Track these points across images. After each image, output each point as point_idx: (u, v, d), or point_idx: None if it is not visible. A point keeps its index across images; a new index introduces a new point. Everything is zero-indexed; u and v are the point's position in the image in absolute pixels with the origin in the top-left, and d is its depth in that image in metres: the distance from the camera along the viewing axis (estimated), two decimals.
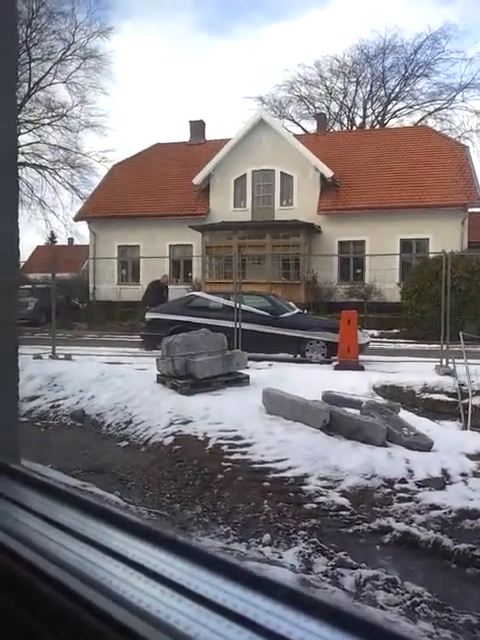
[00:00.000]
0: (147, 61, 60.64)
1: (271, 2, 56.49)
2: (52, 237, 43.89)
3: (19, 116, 28.48)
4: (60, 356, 10.10)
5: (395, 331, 15.99)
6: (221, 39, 63.28)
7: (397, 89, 34.65)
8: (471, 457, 5.16)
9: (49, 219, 31.88)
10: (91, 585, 0.50)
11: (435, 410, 7.13)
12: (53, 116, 29.73)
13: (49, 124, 29.80)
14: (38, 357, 9.80)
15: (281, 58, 57.96)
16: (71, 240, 37.54)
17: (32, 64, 28.47)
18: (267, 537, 3.90)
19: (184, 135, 25.70)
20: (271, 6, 57.65)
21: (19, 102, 28.23)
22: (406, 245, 19.47)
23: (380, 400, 6.59)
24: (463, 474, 4.75)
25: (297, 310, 11.96)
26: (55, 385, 7.85)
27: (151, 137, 64.81)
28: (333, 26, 54.49)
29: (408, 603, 3.09)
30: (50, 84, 29.57)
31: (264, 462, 5.01)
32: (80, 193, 29.57)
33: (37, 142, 29.82)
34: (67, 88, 29.72)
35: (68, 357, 9.98)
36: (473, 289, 14.10)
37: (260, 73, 62.10)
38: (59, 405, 7.30)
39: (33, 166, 29.59)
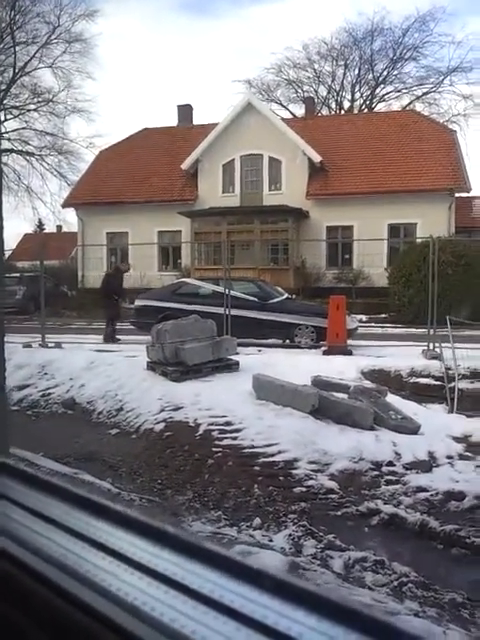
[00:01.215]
0: (130, 43, 59.69)
1: None
2: (40, 224, 43.48)
3: (4, 102, 28.02)
4: (50, 344, 10.07)
5: (383, 316, 16.07)
6: (204, 20, 62.39)
7: (385, 73, 34.43)
8: (457, 440, 5.25)
9: (37, 206, 31.68)
10: (78, 579, 0.50)
11: (422, 394, 7.21)
12: (39, 101, 29.26)
13: (35, 110, 29.35)
14: (28, 346, 9.75)
15: (266, 40, 57.22)
16: (59, 227, 37.18)
17: (17, 48, 27.96)
18: (257, 521, 3.96)
19: (172, 119, 25.45)
20: None
21: (4, 87, 27.74)
22: (394, 230, 19.51)
23: (368, 384, 6.65)
24: (449, 457, 4.84)
25: (286, 295, 11.97)
26: (45, 373, 7.84)
27: (138, 122, 64.14)
28: (318, 7, 53.96)
29: (395, 583, 3.17)
30: (35, 69, 29.08)
31: (254, 447, 5.07)
32: (68, 179, 29.27)
33: (23, 128, 29.42)
34: (53, 73, 29.28)
35: (58, 345, 9.95)
36: (460, 273, 14.18)
37: (245, 55, 61.68)
38: (50, 393, 7.30)
39: (19, 153, 29.17)
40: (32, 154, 29.50)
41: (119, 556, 0.53)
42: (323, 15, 54.54)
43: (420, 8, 32.79)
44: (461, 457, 4.85)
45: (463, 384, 7.18)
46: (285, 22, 54.75)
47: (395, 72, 34.32)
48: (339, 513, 4.05)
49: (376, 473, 4.57)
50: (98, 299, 12.51)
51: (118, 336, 11.37)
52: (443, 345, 8.09)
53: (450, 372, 7.34)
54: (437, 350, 8.56)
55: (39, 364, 8.07)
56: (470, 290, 13.89)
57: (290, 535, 3.74)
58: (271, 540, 3.70)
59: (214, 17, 59.74)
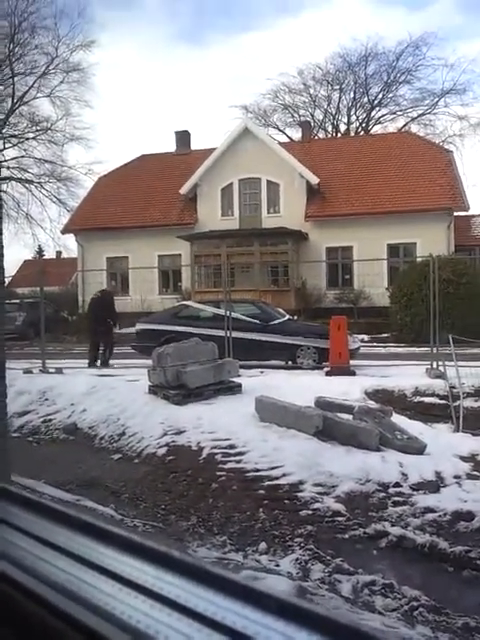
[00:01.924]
0: (127, 72, 60.97)
1: (243, 13, 57.57)
2: (40, 251, 43.76)
3: (3, 131, 28.46)
4: (51, 370, 10.04)
5: (385, 335, 16.05)
6: (198, 48, 63.93)
7: (380, 96, 35.07)
8: (464, 459, 5.19)
9: (36, 233, 31.92)
10: (80, 603, 0.49)
11: (427, 413, 7.15)
12: (38, 130, 29.72)
13: (34, 138, 29.78)
14: (28, 371, 9.72)
15: (259, 66, 58.62)
16: (59, 253, 37.40)
17: (15, 78, 28.51)
18: (263, 546, 3.89)
19: (170, 145, 25.78)
20: (244, 17, 58.79)
21: (3, 117, 28.21)
22: (393, 250, 19.61)
23: (372, 404, 6.60)
24: (456, 476, 4.77)
25: (287, 317, 11.98)
26: (46, 399, 7.79)
27: (137, 148, 65.06)
28: (308, 33, 55.26)
29: (406, 608, 3.09)
30: (34, 98, 29.60)
31: (258, 470, 5.00)
32: (67, 206, 29.55)
33: (22, 156, 29.80)
34: (51, 102, 29.78)
35: (59, 370, 9.92)
36: (461, 292, 14.20)
37: (238, 82, 62.86)
38: (51, 419, 7.25)
39: (19, 180, 29.52)
40: (31, 182, 29.86)
41: (122, 580, 0.52)
42: (313, 41, 55.72)
43: (412, 34, 33.54)
44: (469, 476, 4.79)
45: (468, 402, 7.13)
46: (276, 48, 56.14)
47: (390, 95, 35.02)
48: (346, 536, 3.98)
49: (383, 494, 4.50)
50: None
51: (112, 360, 11.32)
52: (446, 363, 8.05)
53: (454, 391, 7.29)
54: (441, 369, 8.53)
55: (40, 390, 8.03)
56: (472, 308, 13.90)
57: (297, 559, 3.67)
58: (278, 565, 3.63)
59: (207, 45, 61.15)
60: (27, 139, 29.73)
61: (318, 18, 54.79)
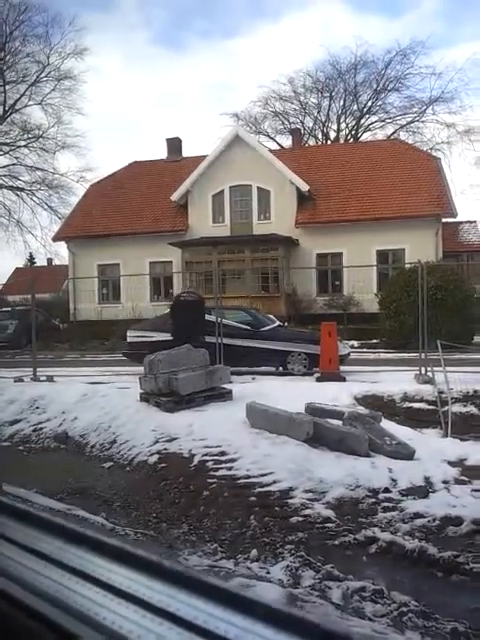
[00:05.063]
0: (117, 80, 60.92)
1: (224, 19, 58.16)
2: (31, 258, 43.60)
3: None
4: (42, 378, 10.00)
5: (375, 341, 16.13)
6: (185, 56, 64.36)
7: (369, 103, 35.36)
8: (453, 464, 5.23)
9: (28, 240, 31.78)
10: (73, 615, 0.50)
11: (416, 418, 7.20)
12: (29, 138, 29.72)
13: (25, 146, 29.78)
14: (19, 380, 9.68)
15: (246, 74, 59.32)
16: (50, 261, 37.32)
17: (7, 87, 28.52)
18: (254, 553, 3.90)
19: (161, 153, 25.83)
20: (225, 23, 59.26)
21: None
22: (382, 256, 19.75)
23: (362, 410, 6.64)
24: (445, 481, 4.81)
25: (277, 323, 12.02)
26: (37, 408, 7.76)
27: (128, 155, 65.03)
28: (287, 41, 55.87)
29: (395, 613, 3.12)
30: (25, 106, 29.62)
31: (249, 477, 5.02)
32: (58, 213, 29.58)
33: (13, 164, 29.76)
34: (42, 109, 29.81)
35: (50, 379, 9.88)
36: (449, 297, 14.32)
37: (221, 89, 63.35)
38: (42, 428, 7.22)
39: (10, 188, 29.47)
40: (22, 189, 29.82)
41: (113, 589, 0.53)
42: (293, 48, 56.23)
43: (401, 43, 33.91)
44: (457, 481, 4.83)
45: (456, 408, 7.18)
46: (256, 55, 56.67)
47: (379, 103, 35.31)
48: (337, 542, 4.00)
49: (373, 500, 4.53)
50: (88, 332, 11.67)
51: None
52: (435, 369, 8.12)
53: (443, 396, 7.35)
54: (429, 374, 8.59)
55: (31, 398, 8.00)
56: (460, 313, 14.02)
57: (288, 566, 3.68)
58: (268, 572, 3.64)
59: (193, 53, 61.51)
60: (19, 147, 29.71)
61: (297, 25, 55.47)
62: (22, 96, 29.14)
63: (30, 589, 0.56)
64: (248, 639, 0.43)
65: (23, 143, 29.75)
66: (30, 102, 29.50)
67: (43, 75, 29.25)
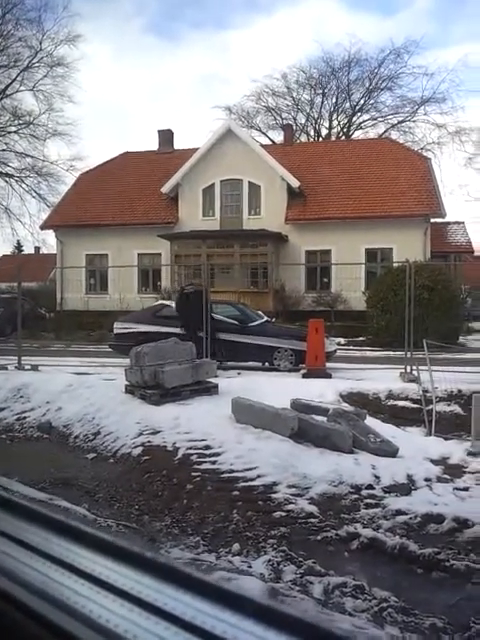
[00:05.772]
0: (110, 69, 60.38)
1: (217, 11, 57.94)
2: (18, 246, 43.19)
3: None
4: (26, 367, 9.92)
5: (361, 339, 16.22)
6: (179, 47, 63.99)
7: (362, 101, 35.43)
8: (435, 462, 5.29)
9: (15, 228, 31.39)
10: (56, 606, 0.49)
11: (400, 416, 7.26)
12: (20, 124, 29.33)
13: (16, 132, 29.40)
14: (3, 368, 9.59)
15: (242, 66, 59.03)
16: (38, 249, 36.95)
17: None
18: (236, 547, 3.91)
19: (153, 144, 25.65)
20: (218, 14, 59.01)
21: None
22: (371, 254, 19.82)
23: (347, 407, 6.67)
24: (428, 479, 4.86)
25: (265, 318, 12.03)
26: (21, 397, 7.70)
27: (119, 145, 64.62)
28: (280, 36, 55.77)
29: (376, 609, 3.14)
30: (17, 91, 29.21)
31: (233, 471, 5.02)
32: (47, 201, 29.27)
33: (3, 150, 29.39)
34: (34, 96, 29.42)
35: (35, 368, 9.81)
36: (436, 297, 14.43)
37: (213, 81, 63.16)
38: (25, 417, 7.17)
39: None
40: (11, 176, 29.46)
41: (96, 581, 0.52)
42: (286, 42, 56.17)
43: (395, 41, 33.97)
44: (439, 480, 4.88)
45: (440, 407, 7.25)
46: (257, 49, 56.53)
47: (371, 101, 35.40)
48: (319, 537, 4.02)
49: (355, 496, 4.56)
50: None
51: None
52: (420, 368, 8.18)
53: (427, 395, 7.41)
54: (414, 373, 8.66)
55: (15, 387, 7.93)
56: (446, 313, 14.14)
57: (269, 561, 3.69)
58: (250, 566, 3.65)
59: (186, 44, 61.14)
60: (9, 133, 29.33)
61: (291, 19, 55.38)
62: (14, 81, 28.78)
63: (12, 578, 0.55)
64: (236, 635, 0.43)
65: (13, 129, 29.39)
66: (21, 87, 29.15)
67: (35, 61, 28.89)
